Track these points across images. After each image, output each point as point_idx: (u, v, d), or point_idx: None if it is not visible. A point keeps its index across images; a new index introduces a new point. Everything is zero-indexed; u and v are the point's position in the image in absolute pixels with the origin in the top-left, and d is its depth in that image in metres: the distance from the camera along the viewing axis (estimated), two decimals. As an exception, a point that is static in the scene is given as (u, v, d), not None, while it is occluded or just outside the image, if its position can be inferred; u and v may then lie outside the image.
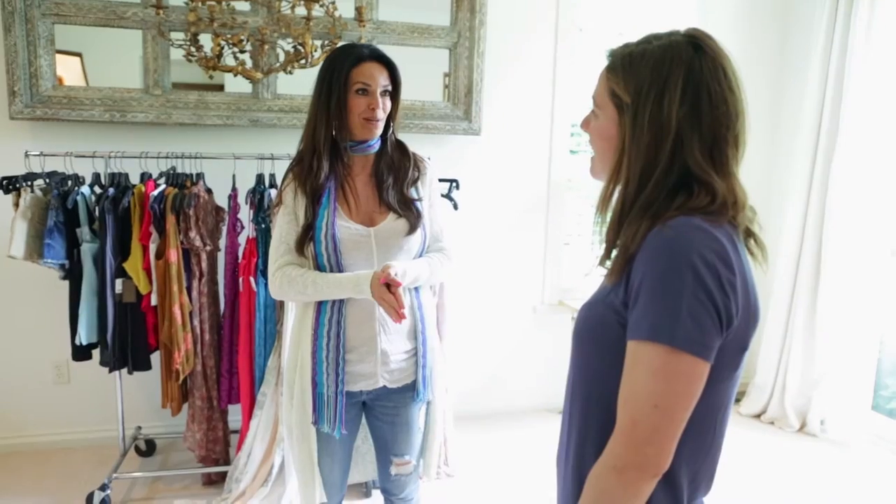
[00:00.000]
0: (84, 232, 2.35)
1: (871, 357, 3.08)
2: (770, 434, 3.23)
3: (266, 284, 2.44)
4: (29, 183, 2.33)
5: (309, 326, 1.57)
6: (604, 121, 0.93)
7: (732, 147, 0.87)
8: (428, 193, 1.66)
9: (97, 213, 2.35)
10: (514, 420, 3.33)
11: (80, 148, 2.44)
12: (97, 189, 2.43)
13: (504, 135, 3.20)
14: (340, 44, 2.59)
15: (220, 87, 2.82)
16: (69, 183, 2.39)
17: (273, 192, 2.46)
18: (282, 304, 2.45)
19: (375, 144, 1.60)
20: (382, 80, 1.53)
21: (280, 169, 2.52)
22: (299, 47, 2.61)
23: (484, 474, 2.78)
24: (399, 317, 1.44)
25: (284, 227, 1.57)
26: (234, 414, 2.67)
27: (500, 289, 3.33)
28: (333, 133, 1.54)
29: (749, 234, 0.90)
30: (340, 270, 1.53)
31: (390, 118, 1.59)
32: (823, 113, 3.11)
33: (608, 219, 0.92)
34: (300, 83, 2.84)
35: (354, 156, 1.59)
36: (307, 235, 1.53)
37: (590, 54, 3.33)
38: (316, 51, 2.64)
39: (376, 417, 1.67)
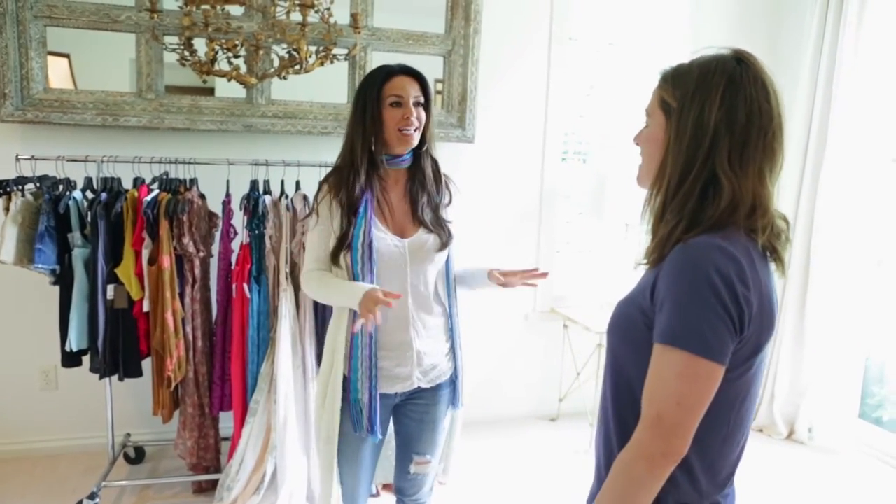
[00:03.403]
0: (76, 237, 2.33)
1: (858, 366, 3.12)
2: (759, 441, 3.26)
3: (259, 291, 2.44)
4: (20, 187, 2.30)
5: (344, 332, 1.62)
6: (653, 127, 1.02)
7: (762, 154, 0.94)
8: (455, 217, 1.73)
9: (89, 218, 2.33)
10: (505, 427, 3.33)
11: (72, 152, 2.40)
12: (89, 194, 2.40)
13: (497, 143, 3.21)
14: (335, 50, 2.64)
15: (211, 91, 2.80)
16: (60, 187, 2.36)
17: (268, 198, 2.45)
18: (275, 310, 2.44)
19: (409, 158, 1.65)
20: (414, 92, 1.59)
21: (274, 175, 2.53)
22: (294, 53, 2.60)
23: (475, 482, 2.78)
24: (366, 325, 1.44)
25: (316, 239, 1.63)
26: (225, 421, 2.65)
27: (491, 296, 3.33)
28: (372, 148, 1.59)
29: (773, 250, 0.97)
30: (373, 279, 1.57)
31: (425, 132, 1.63)
32: (812, 126, 3.16)
33: (653, 214, 1.01)
34: (295, 89, 2.84)
35: (389, 169, 1.64)
36: (343, 244, 1.57)
37: (582, 64, 3.36)
38: (311, 57, 2.64)
39: (405, 415, 1.72)
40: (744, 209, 0.93)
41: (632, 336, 0.98)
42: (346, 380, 1.62)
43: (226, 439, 2.68)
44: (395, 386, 1.64)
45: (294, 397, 2.42)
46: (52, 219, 2.28)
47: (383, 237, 1.59)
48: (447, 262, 1.71)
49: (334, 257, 1.58)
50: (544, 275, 1.70)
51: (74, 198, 2.33)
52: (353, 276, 1.57)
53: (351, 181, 1.57)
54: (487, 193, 3.22)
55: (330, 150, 2.82)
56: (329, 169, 2.46)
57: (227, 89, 2.73)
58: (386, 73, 1.58)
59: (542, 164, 3.29)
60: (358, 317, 1.45)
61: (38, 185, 2.34)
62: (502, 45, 3.12)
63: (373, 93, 1.56)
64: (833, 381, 3.15)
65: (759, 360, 0.96)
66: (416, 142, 1.61)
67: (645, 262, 1.01)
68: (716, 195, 0.93)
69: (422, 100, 1.61)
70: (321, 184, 1.65)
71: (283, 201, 2.46)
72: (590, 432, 3.17)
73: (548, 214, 3.34)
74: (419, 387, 1.67)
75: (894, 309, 3.15)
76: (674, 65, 1.01)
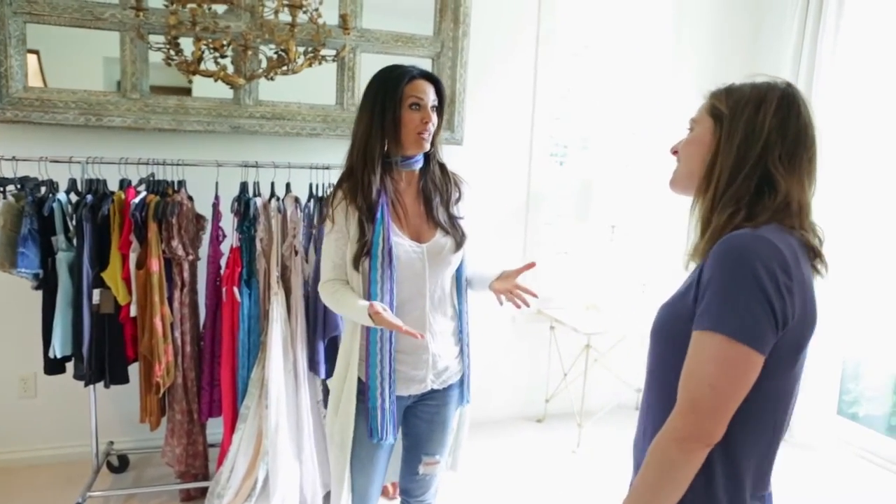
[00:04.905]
0: (60, 240, 2.26)
1: (837, 365, 3.21)
2: (740, 439, 3.32)
3: (250, 295, 2.41)
4: (1, 188, 2.22)
5: (358, 338, 1.61)
6: (698, 131, 1.07)
7: (806, 165, 1.01)
8: (467, 212, 1.73)
9: (74, 220, 2.26)
10: (492, 429, 3.33)
11: (54, 152, 2.33)
12: (73, 196, 2.34)
13: (485, 145, 3.21)
14: (323, 51, 2.61)
15: (188, 92, 2.72)
16: (43, 189, 2.29)
17: (259, 200, 2.41)
18: (266, 314, 2.40)
19: (421, 159, 1.65)
20: (431, 96, 1.59)
21: (263, 177, 2.49)
22: (282, 53, 2.58)
23: (463, 483, 2.78)
24: (418, 336, 1.46)
25: (332, 246, 1.60)
26: (212, 428, 2.60)
27: (478, 299, 3.32)
28: (385, 148, 1.58)
29: (816, 253, 1.01)
30: (392, 285, 1.56)
31: (435, 136, 1.63)
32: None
33: (701, 211, 1.04)
34: (282, 90, 2.80)
35: (402, 171, 1.63)
36: (363, 251, 1.54)
37: (569, 66, 3.39)
38: (299, 57, 2.62)
39: (415, 416, 1.72)
40: (794, 207, 0.99)
41: (682, 336, 0.98)
42: (361, 384, 1.61)
43: (213, 446, 2.64)
44: (409, 388, 1.64)
45: (286, 402, 2.39)
46: (36, 222, 2.21)
47: (401, 243, 1.58)
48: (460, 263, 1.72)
49: (355, 264, 1.56)
50: (531, 265, 1.70)
51: (59, 200, 2.26)
52: (370, 283, 1.54)
53: (367, 184, 1.55)
54: (475, 195, 3.21)
55: (319, 152, 2.82)
56: (320, 171, 2.51)
57: (206, 89, 2.66)
58: (408, 76, 1.57)
59: (529, 167, 3.31)
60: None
61: (19, 186, 2.27)
62: (490, 48, 3.13)
63: (394, 94, 1.55)
64: (812, 379, 3.22)
65: (803, 357, 0.98)
66: (429, 145, 1.61)
67: (696, 256, 1.04)
68: (771, 191, 0.98)
69: (437, 103, 1.61)
70: (335, 189, 1.62)
71: (274, 204, 2.43)
72: (577, 432, 3.20)
73: (534, 216, 3.36)
74: (432, 388, 1.67)
75: (870, 308, 3.24)
76: (726, 83, 1.07)
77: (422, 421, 1.71)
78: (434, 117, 1.60)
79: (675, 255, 3.93)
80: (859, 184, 3.10)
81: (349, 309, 1.54)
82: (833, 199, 3.12)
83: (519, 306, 1.69)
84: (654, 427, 1.06)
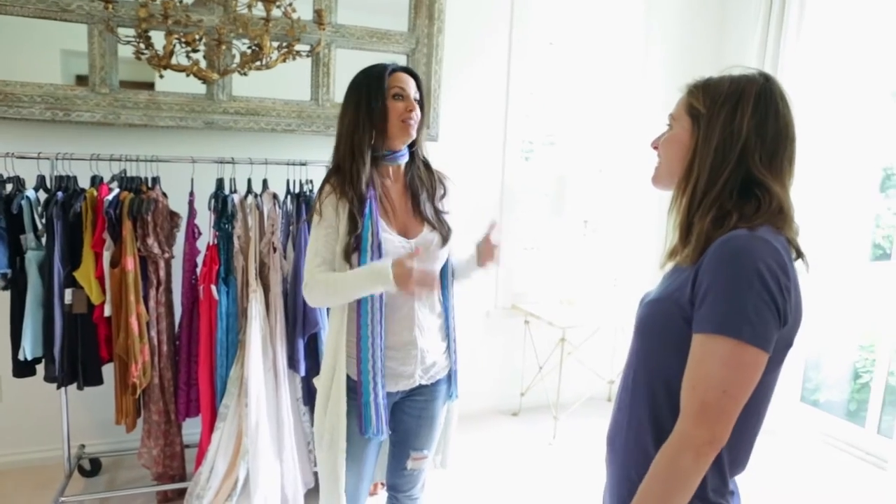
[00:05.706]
0: (29, 239, 2.19)
1: (800, 354, 3.33)
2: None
3: (228, 293, 2.37)
4: (-35, 186, 2.15)
5: (345, 335, 1.60)
6: (677, 130, 1.06)
7: (787, 165, 1.00)
8: (451, 208, 1.74)
9: (44, 218, 2.20)
10: (468, 423, 3.35)
11: (20, 148, 2.26)
12: (42, 193, 2.27)
13: (460, 141, 3.23)
14: (298, 46, 2.58)
15: (151, 86, 2.65)
16: (9, 186, 2.22)
17: (236, 197, 2.38)
18: (244, 312, 2.38)
19: (406, 154, 1.65)
20: (413, 88, 1.62)
21: (240, 174, 2.46)
22: (256, 48, 2.54)
23: (441, 477, 2.79)
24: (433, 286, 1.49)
25: (321, 241, 1.57)
26: (188, 428, 2.56)
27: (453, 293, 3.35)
28: (372, 141, 1.58)
29: (799, 253, 1.02)
30: None
31: (419, 130, 1.64)
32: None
33: (679, 214, 1.03)
34: (256, 85, 2.77)
35: (389, 165, 1.64)
36: (356, 244, 1.54)
37: (543, 62, 3.43)
38: (273, 52, 2.59)
39: (403, 412, 1.72)
40: (784, 209, 0.99)
41: (670, 334, 0.98)
42: (351, 381, 1.60)
43: (188, 446, 2.59)
44: (398, 384, 1.65)
45: (266, 401, 2.36)
46: (3, 220, 2.14)
47: (390, 238, 1.58)
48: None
49: (346, 257, 1.55)
50: (493, 225, 1.73)
51: (28, 197, 2.19)
52: None
53: (356, 178, 1.55)
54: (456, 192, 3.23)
55: (295, 148, 2.79)
56: (297, 167, 2.49)
57: (174, 84, 2.59)
58: (389, 69, 1.59)
59: (503, 162, 3.34)
60: (382, 317, 1.53)
61: (-16, 183, 2.19)
62: (465, 45, 3.15)
63: (377, 85, 1.56)
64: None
65: (788, 353, 1.00)
66: (415, 134, 1.62)
67: (674, 258, 1.03)
68: (764, 194, 0.98)
69: (418, 97, 1.63)
70: (323, 183, 1.61)
71: (251, 200, 2.40)
72: (553, 425, 3.25)
73: (509, 212, 3.40)
74: (420, 384, 1.68)
75: (831, 300, 3.36)
76: (703, 77, 1.05)
77: (410, 416, 1.72)
78: (416, 109, 1.61)
79: (645, 251, 4.00)
80: (823, 177, 3.20)
81: (358, 280, 1.49)
82: (796, 193, 3.23)
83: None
84: (636, 423, 1.05)
